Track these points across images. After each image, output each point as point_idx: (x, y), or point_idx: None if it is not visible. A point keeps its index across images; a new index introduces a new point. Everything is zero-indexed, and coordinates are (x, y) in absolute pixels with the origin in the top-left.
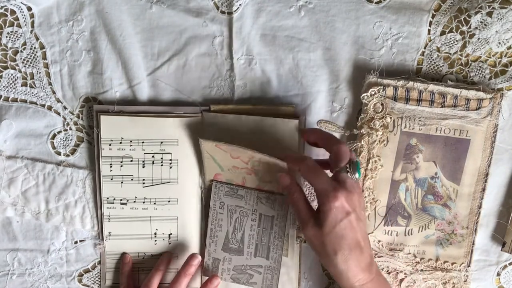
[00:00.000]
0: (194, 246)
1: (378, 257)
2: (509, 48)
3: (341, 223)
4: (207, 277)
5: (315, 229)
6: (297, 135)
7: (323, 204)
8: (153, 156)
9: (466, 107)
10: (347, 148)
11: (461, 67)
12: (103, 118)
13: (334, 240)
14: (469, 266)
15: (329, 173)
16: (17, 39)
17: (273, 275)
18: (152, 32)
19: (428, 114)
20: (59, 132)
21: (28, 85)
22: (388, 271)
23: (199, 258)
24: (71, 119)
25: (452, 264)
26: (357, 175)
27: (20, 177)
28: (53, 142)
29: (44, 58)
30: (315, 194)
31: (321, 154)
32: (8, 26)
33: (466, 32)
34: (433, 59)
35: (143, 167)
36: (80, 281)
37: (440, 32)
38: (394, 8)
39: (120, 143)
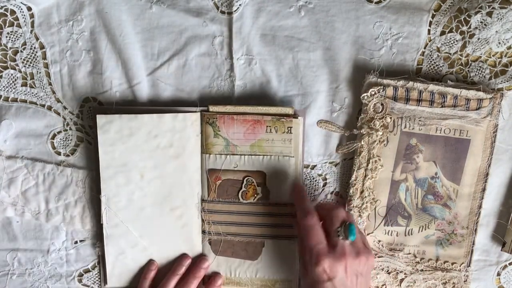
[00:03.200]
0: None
1: (378, 257)
2: (509, 48)
3: (319, 285)
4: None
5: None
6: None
7: (309, 264)
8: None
9: (466, 107)
10: (342, 211)
11: (461, 67)
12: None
13: None
14: (469, 266)
15: None
16: (17, 39)
17: None
18: (152, 32)
19: (428, 114)
20: (59, 132)
21: (28, 85)
22: (388, 271)
23: (209, 261)
24: (71, 119)
25: (452, 264)
26: (350, 239)
27: (20, 177)
28: (53, 142)
29: (44, 58)
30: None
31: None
32: (8, 26)
33: (466, 32)
34: (433, 59)
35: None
36: (80, 281)
37: (440, 32)
38: (394, 8)
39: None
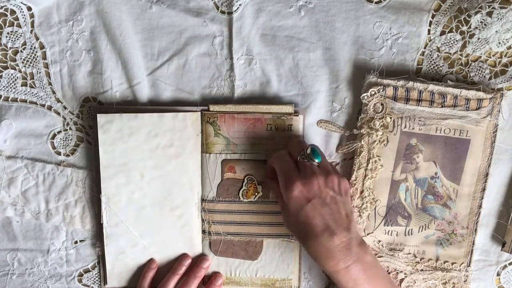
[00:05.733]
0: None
1: (378, 257)
2: (509, 48)
3: (301, 211)
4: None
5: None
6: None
7: (285, 196)
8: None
9: (466, 107)
10: (301, 140)
11: (461, 67)
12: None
13: (300, 227)
14: (469, 266)
15: None
16: (17, 39)
17: None
18: (152, 32)
19: (428, 114)
20: (59, 132)
21: (28, 85)
22: (388, 271)
23: (209, 261)
24: (71, 119)
25: (452, 264)
26: (316, 160)
27: (20, 177)
28: (53, 142)
29: (44, 58)
30: None
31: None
32: (8, 26)
33: (466, 32)
34: (433, 59)
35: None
36: (80, 281)
37: (440, 32)
38: (394, 8)
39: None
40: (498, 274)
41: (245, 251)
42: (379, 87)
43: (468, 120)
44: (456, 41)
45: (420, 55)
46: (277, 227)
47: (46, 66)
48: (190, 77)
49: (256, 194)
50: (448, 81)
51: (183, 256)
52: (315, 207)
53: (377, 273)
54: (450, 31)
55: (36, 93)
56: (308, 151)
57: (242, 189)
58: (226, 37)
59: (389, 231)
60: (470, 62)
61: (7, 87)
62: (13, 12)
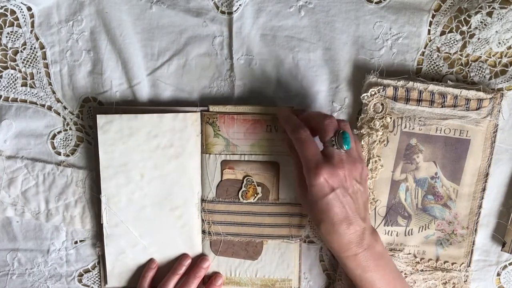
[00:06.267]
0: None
1: None
2: (509, 48)
3: (324, 199)
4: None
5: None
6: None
7: (308, 179)
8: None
9: (466, 107)
10: (334, 120)
11: (461, 67)
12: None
13: (318, 212)
14: (469, 266)
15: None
16: (17, 39)
17: None
18: (152, 32)
19: (428, 114)
20: (59, 132)
21: (28, 85)
22: None
23: (209, 261)
24: (71, 119)
25: (452, 264)
26: (345, 147)
27: (20, 177)
28: (53, 142)
29: (44, 58)
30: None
31: None
32: (8, 26)
33: (466, 32)
34: (433, 59)
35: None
36: (80, 281)
37: (440, 32)
38: (394, 8)
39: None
40: (498, 274)
41: (245, 251)
42: (379, 87)
43: (468, 120)
44: (456, 41)
45: (420, 55)
46: (277, 228)
47: (46, 66)
48: (190, 77)
49: (255, 195)
50: (448, 81)
51: (183, 256)
52: (337, 196)
53: (387, 263)
54: (450, 31)
55: (36, 93)
56: (339, 137)
57: (241, 190)
58: (226, 37)
59: (389, 231)
60: (470, 62)
61: (7, 87)
62: (13, 12)
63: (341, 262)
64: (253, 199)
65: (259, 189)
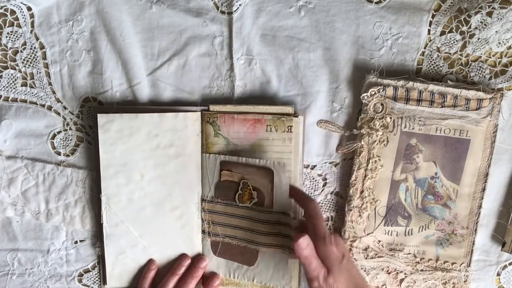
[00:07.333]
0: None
1: (378, 257)
2: (509, 48)
3: (343, 262)
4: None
5: (327, 277)
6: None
7: (325, 247)
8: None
9: (466, 107)
10: (318, 205)
11: (461, 67)
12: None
13: (344, 278)
14: (469, 266)
15: None
16: (17, 39)
17: None
18: (152, 32)
19: (428, 114)
20: (59, 132)
21: (28, 85)
22: (388, 271)
23: (207, 261)
24: (71, 119)
25: (452, 264)
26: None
27: (20, 177)
28: (53, 142)
29: (44, 58)
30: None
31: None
32: (8, 26)
33: (466, 32)
34: (433, 59)
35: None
36: (80, 281)
37: (440, 32)
38: (394, 8)
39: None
40: (498, 274)
41: (242, 255)
42: (379, 87)
43: (468, 120)
44: (456, 41)
45: (420, 55)
46: (271, 237)
47: (46, 66)
48: (190, 77)
49: (251, 200)
50: (448, 81)
51: (183, 256)
52: (349, 261)
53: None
54: (450, 31)
55: (36, 93)
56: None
57: (238, 193)
58: (226, 37)
59: (389, 231)
60: (470, 62)
61: (7, 87)
62: (13, 12)
63: None
64: (249, 204)
65: (254, 193)
